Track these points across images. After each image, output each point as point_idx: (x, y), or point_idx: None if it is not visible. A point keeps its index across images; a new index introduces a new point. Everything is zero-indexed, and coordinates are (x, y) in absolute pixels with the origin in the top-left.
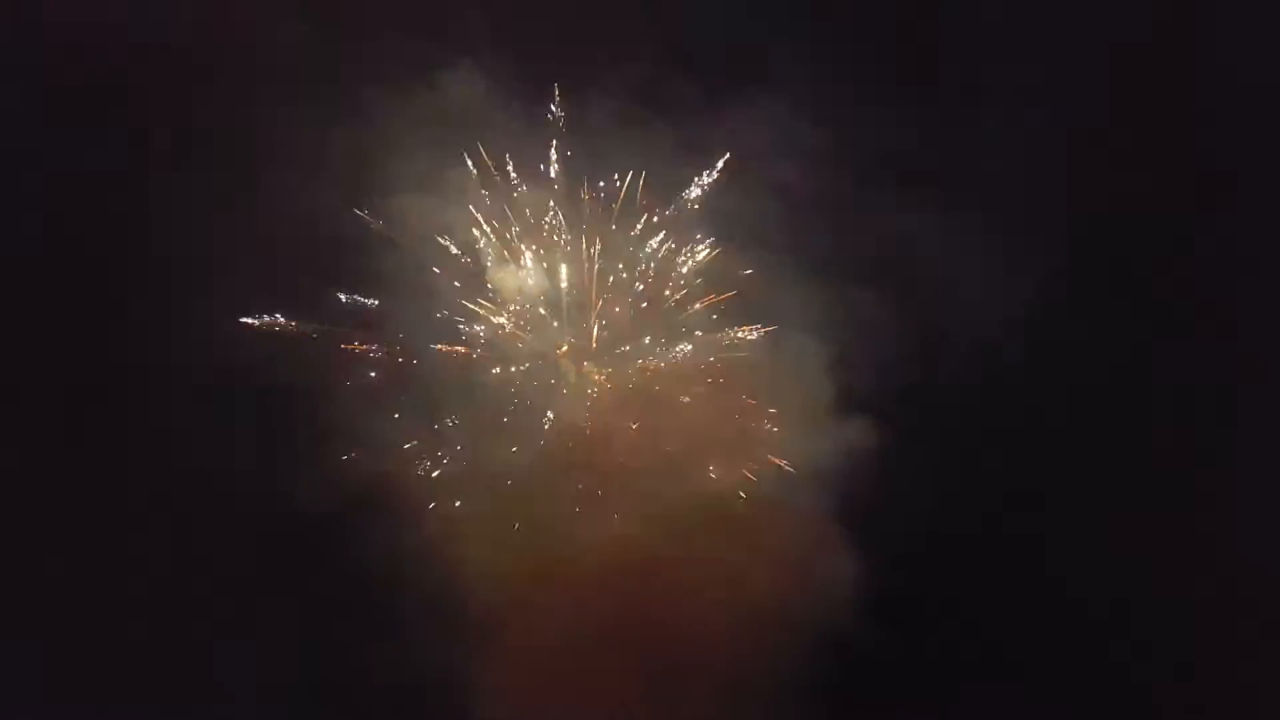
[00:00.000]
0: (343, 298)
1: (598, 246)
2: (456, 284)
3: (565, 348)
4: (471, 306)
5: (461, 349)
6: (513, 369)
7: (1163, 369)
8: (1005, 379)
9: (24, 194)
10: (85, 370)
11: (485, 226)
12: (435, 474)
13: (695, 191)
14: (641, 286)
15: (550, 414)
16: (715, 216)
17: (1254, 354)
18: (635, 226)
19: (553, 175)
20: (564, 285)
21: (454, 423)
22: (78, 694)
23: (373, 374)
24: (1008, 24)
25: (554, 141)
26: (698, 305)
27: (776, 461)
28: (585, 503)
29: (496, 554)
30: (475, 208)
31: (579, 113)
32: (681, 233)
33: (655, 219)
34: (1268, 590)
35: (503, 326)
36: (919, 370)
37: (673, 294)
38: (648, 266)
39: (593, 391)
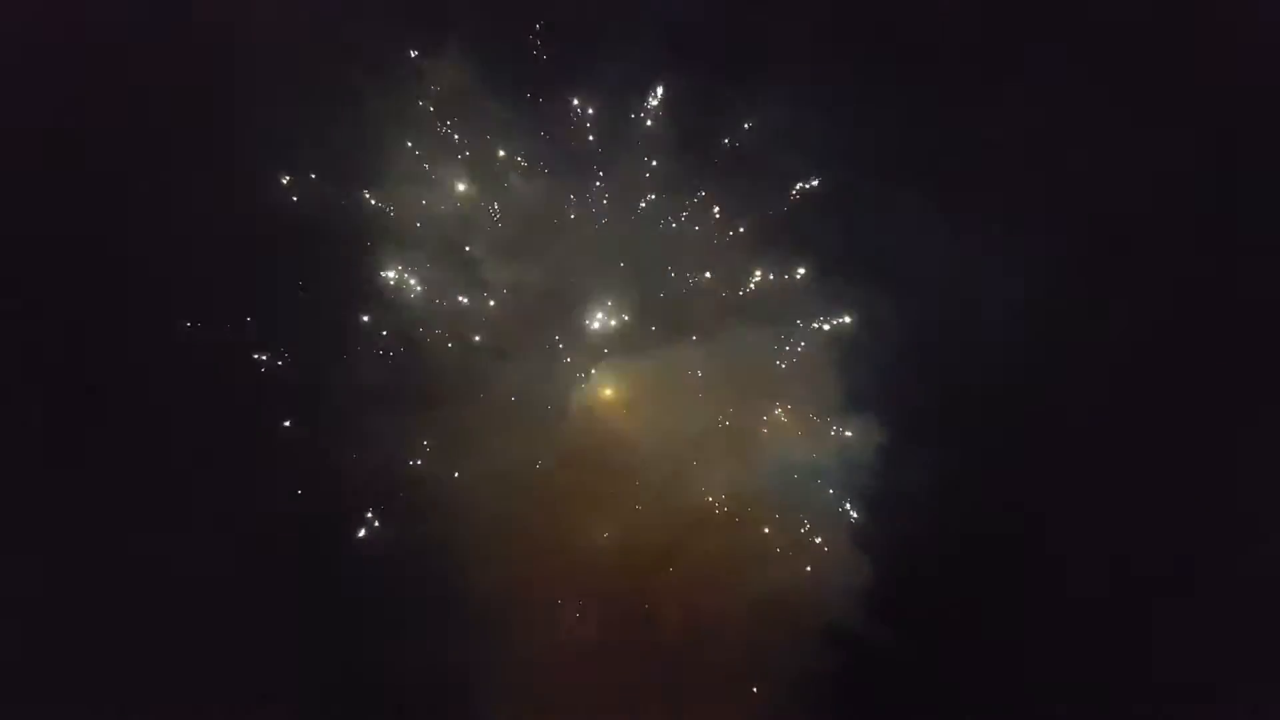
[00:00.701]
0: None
1: (602, 223)
2: (451, 276)
3: (570, 344)
4: (467, 301)
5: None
6: (513, 365)
7: (1166, 369)
8: (1011, 378)
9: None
10: (74, 368)
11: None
12: (435, 473)
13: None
14: (650, 272)
15: (554, 411)
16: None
17: (1257, 352)
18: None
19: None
20: (563, 275)
21: (453, 420)
22: (77, 695)
23: (367, 370)
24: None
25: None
26: (742, 291)
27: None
28: (589, 501)
29: (499, 553)
30: (468, 192)
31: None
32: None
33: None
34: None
35: (499, 320)
36: (924, 368)
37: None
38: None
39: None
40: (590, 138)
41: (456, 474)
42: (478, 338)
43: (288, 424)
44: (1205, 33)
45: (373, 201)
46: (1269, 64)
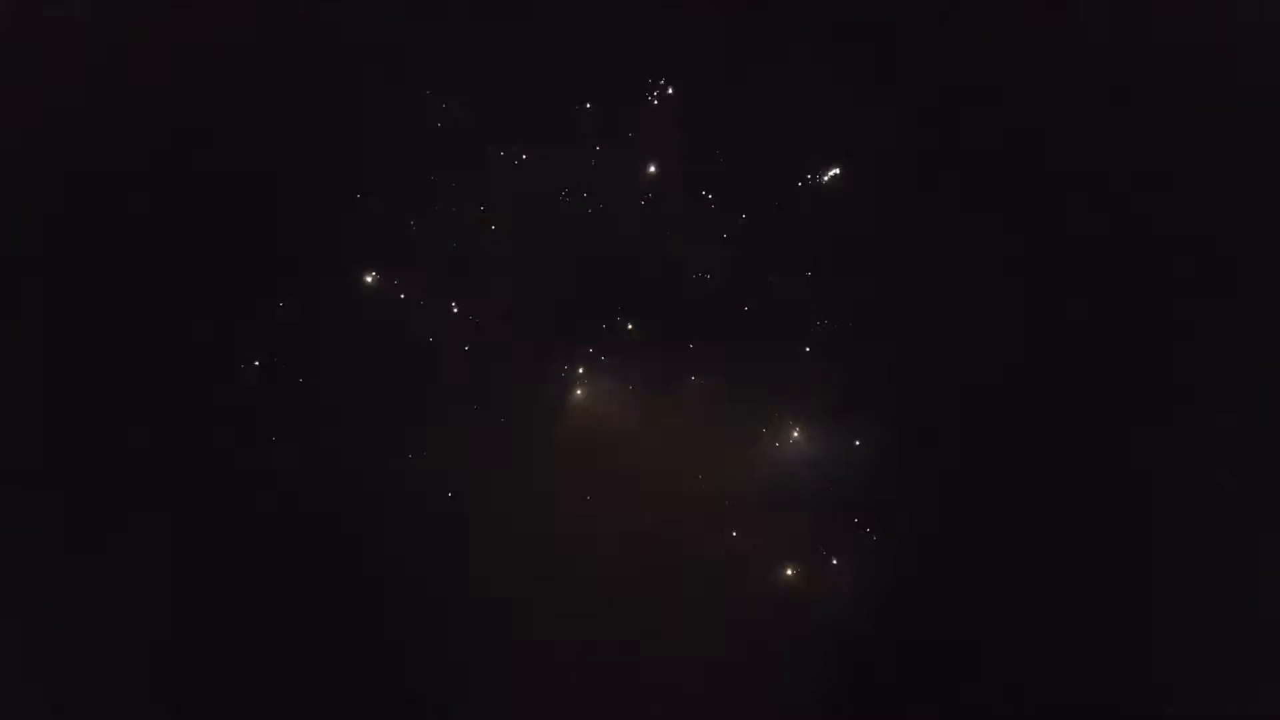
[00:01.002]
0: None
1: (601, 223)
2: (447, 278)
3: (569, 345)
4: (463, 302)
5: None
6: (510, 367)
7: (1167, 369)
8: (1011, 378)
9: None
10: (67, 370)
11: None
12: (432, 475)
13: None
14: (649, 273)
15: (553, 409)
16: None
17: (1258, 352)
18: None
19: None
20: (562, 276)
21: (450, 423)
22: (76, 695)
23: (362, 373)
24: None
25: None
26: (743, 291)
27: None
28: (588, 503)
29: (498, 554)
30: (465, 192)
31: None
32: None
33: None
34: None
35: (496, 322)
36: (924, 368)
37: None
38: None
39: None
40: (589, 137)
41: (455, 476)
42: (474, 340)
43: (282, 428)
44: (1205, 32)
45: (367, 202)
46: (1269, 64)
